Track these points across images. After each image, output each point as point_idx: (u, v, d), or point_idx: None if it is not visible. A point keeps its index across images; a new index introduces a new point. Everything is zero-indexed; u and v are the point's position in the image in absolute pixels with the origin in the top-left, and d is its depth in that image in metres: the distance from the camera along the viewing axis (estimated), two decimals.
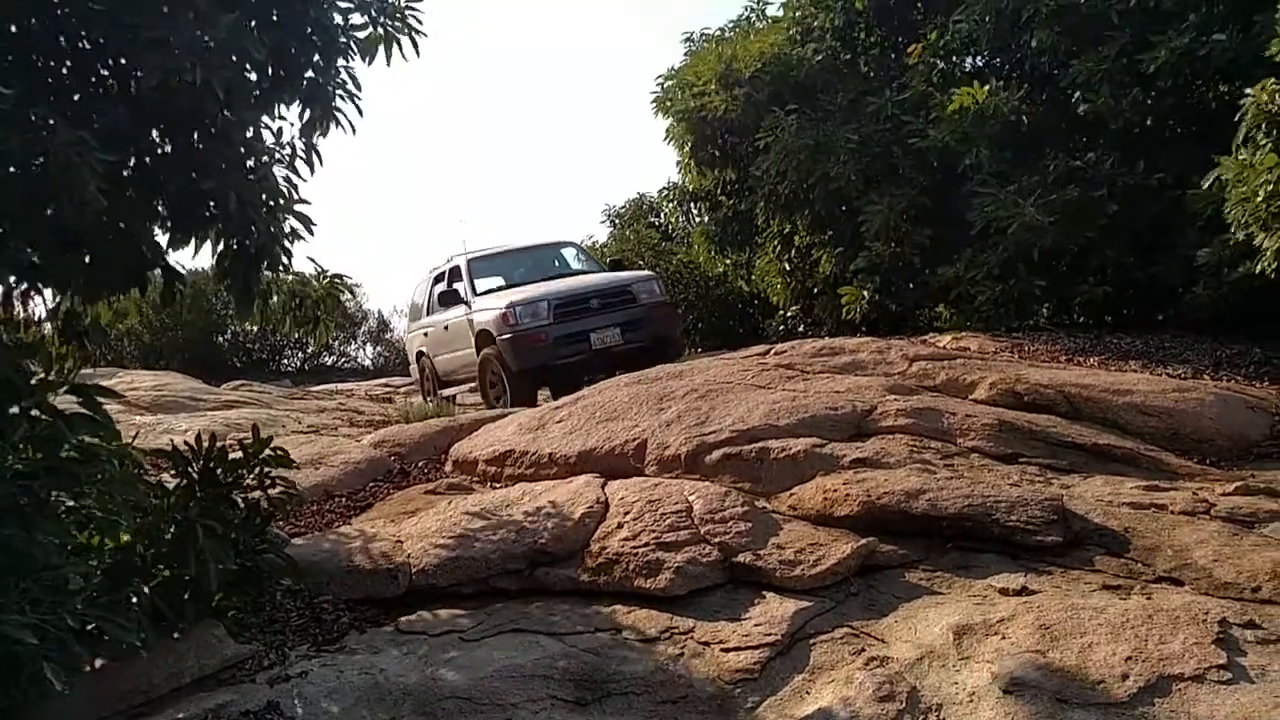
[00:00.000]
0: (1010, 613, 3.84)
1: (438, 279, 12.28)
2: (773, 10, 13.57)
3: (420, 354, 12.66)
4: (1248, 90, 6.67)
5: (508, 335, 9.93)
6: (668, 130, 13.11)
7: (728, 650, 3.99)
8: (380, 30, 5.29)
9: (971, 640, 3.73)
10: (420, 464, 7.26)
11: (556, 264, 12.15)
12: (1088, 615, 3.73)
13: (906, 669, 3.66)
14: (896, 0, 11.83)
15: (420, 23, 5.39)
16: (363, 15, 5.20)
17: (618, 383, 7.40)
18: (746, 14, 13.72)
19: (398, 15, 5.34)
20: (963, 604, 4.04)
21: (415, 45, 5.41)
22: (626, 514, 5.06)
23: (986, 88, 9.69)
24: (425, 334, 12.40)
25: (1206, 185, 7.28)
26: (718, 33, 13.53)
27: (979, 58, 11.15)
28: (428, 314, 12.46)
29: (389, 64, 5.29)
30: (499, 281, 11.55)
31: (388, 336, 22.90)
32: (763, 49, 12.12)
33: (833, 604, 4.27)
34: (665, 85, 13.04)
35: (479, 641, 4.23)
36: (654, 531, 4.84)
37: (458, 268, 11.53)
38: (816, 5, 12.42)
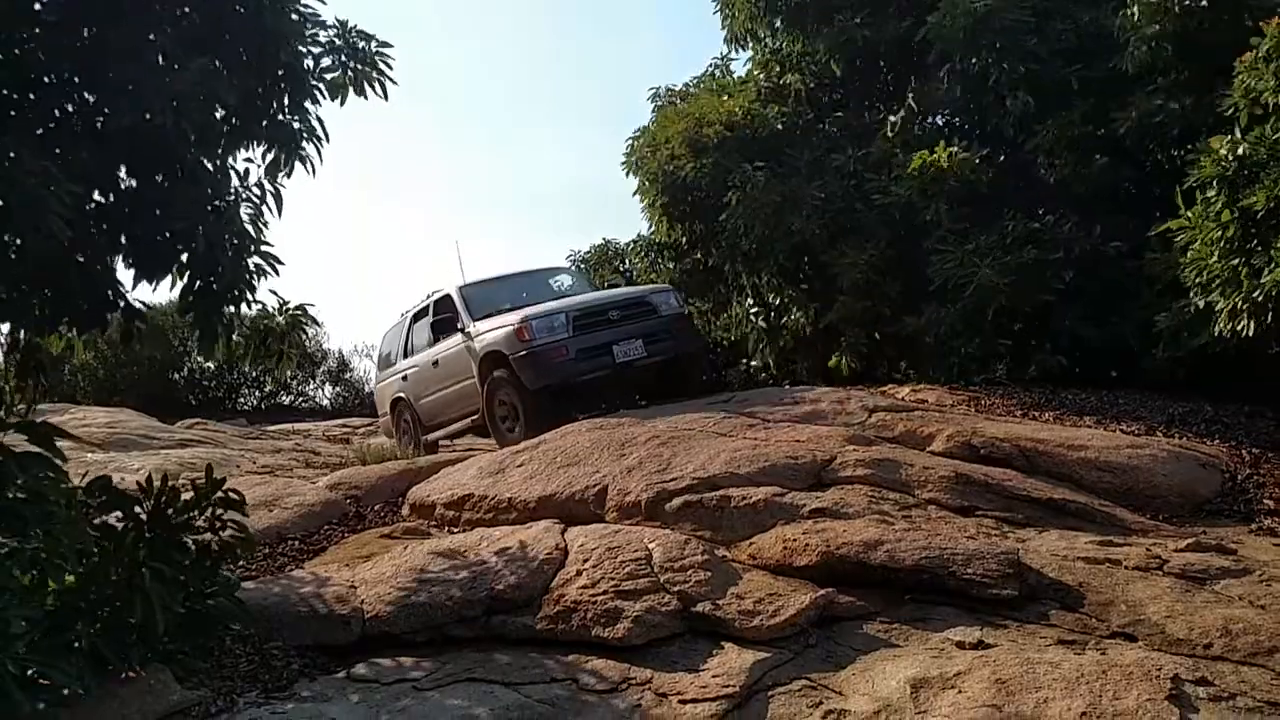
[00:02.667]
0: (967, 666, 3.85)
1: (417, 316, 11.33)
2: (737, 67, 13.82)
3: (397, 401, 11.55)
4: (1206, 144, 6.84)
5: (523, 351, 8.94)
6: (638, 188, 13.24)
7: (685, 702, 3.96)
8: (350, 74, 5.34)
9: (928, 694, 3.73)
10: (377, 507, 7.18)
11: (555, 287, 11.34)
12: (1043, 670, 3.75)
13: None
14: (862, 65, 12.09)
15: (390, 66, 5.44)
16: (333, 59, 5.24)
17: (579, 428, 7.39)
18: (712, 70, 13.94)
19: (368, 60, 5.39)
20: (920, 657, 4.05)
21: (384, 90, 5.46)
22: (586, 561, 5.03)
23: (950, 150, 9.92)
24: (404, 378, 11.33)
25: (1156, 234, 7.48)
26: (683, 88, 13.72)
27: (941, 118, 11.41)
28: (405, 356, 11.48)
29: (363, 98, 5.33)
30: (496, 308, 10.43)
31: (347, 376, 22.69)
32: (730, 110, 12.32)
33: (791, 655, 4.26)
34: (635, 145, 13.19)
35: (432, 690, 4.17)
36: (613, 579, 4.81)
37: (448, 297, 10.46)
38: (785, 66, 12.66)
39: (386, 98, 5.48)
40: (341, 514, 7.02)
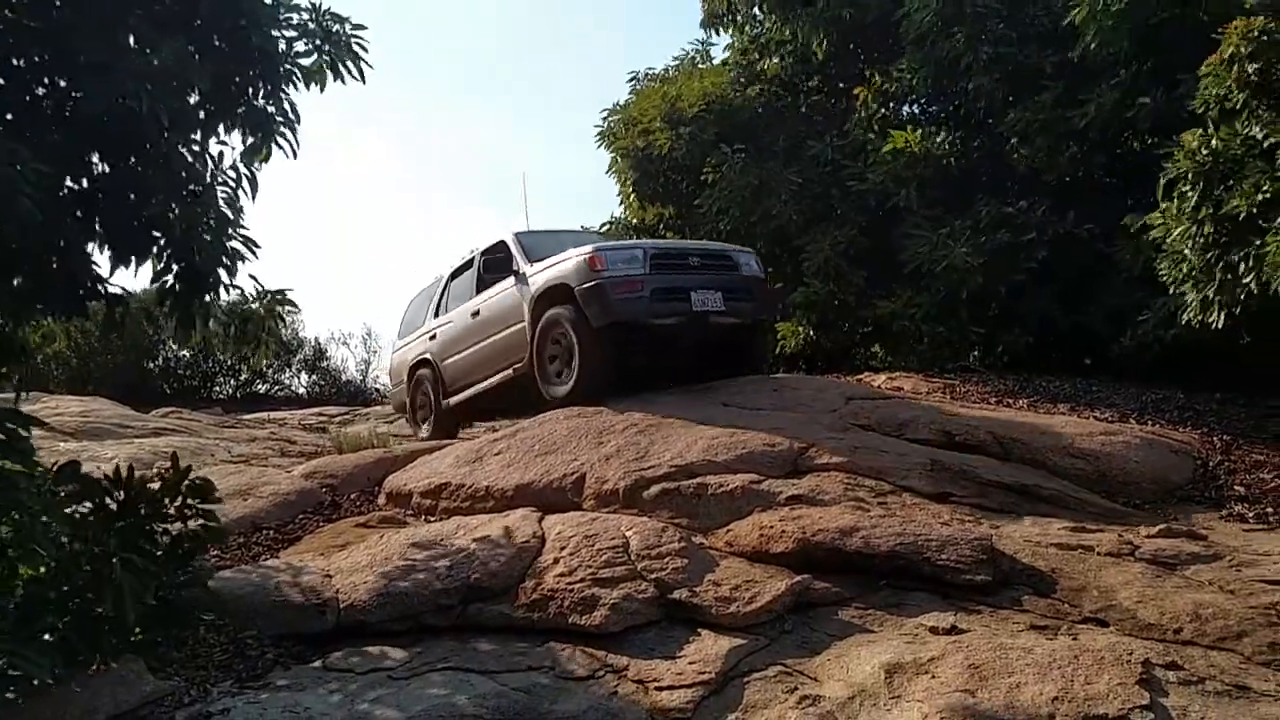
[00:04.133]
0: (940, 652, 3.89)
1: (457, 273, 10.34)
2: (716, 51, 13.82)
3: (419, 366, 10.44)
4: (1178, 139, 6.89)
5: (592, 283, 7.83)
6: (611, 164, 13.22)
7: (662, 689, 3.97)
8: (325, 58, 5.28)
9: (902, 679, 3.76)
10: (353, 496, 7.14)
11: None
12: (1016, 655, 3.79)
13: (838, 708, 3.67)
14: (840, 47, 12.10)
15: (365, 50, 5.38)
16: (306, 43, 5.18)
17: (557, 415, 7.37)
18: (690, 54, 13.94)
19: (341, 43, 5.32)
20: (894, 642, 4.08)
21: (360, 73, 5.41)
22: (563, 549, 5.03)
23: (919, 132, 9.94)
24: (431, 337, 10.24)
25: (1134, 229, 7.54)
26: (662, 72, 13.71)
27: (916, 105, 11.45)
28: (436, 315, 10.41)
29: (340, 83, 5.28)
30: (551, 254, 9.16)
31: (324, 365, 22.54)
32: (705, 89, 12.31)
33: (767, 641, 4.29)
34: (610, 121, 13.16)
35: (408, 679, 4.15)
36: (590, 567, 4.81)
37: (501, 243, 9.39)
38: (763, 50, 12.66)
39: (364, 81, 5.44)
40: (317, 503, 6.97)
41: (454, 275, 10.38)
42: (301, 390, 22.00)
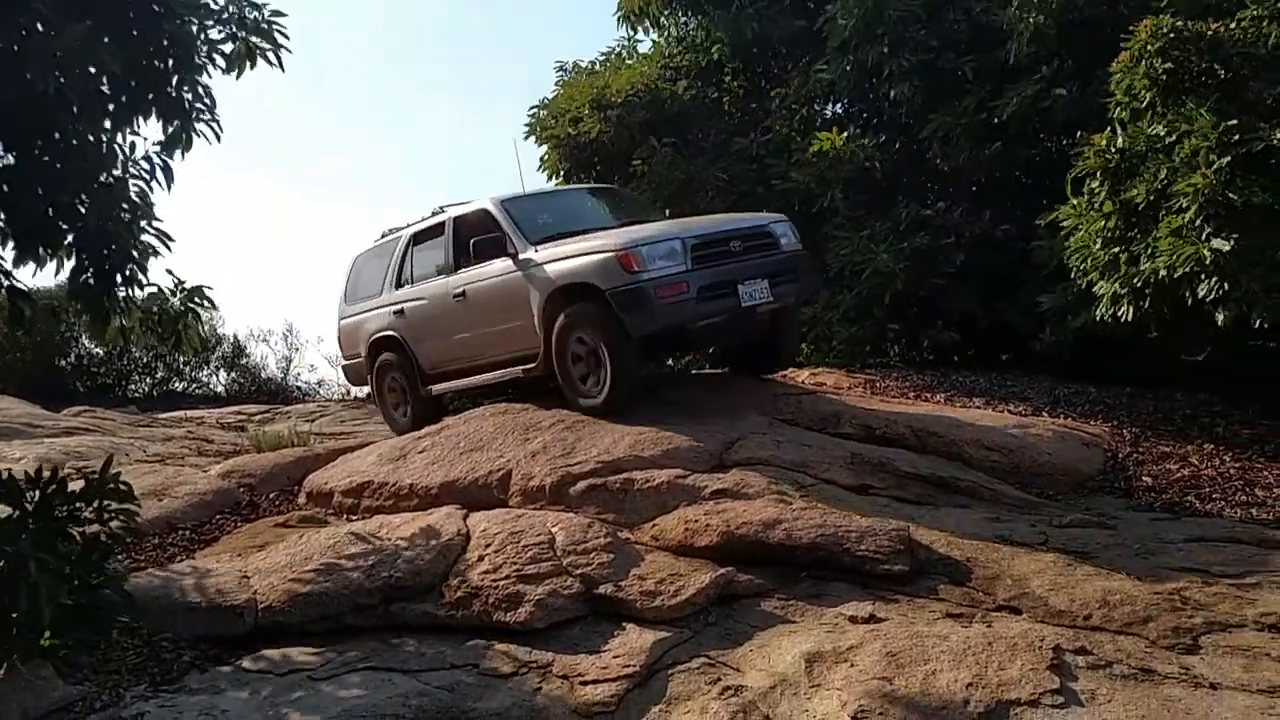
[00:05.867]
0: (859, 640, 3.97)
1: (421, 238, 8.89)
2: (643, 48, 13.84)
3: (383, 343, 9.02)
4: (1089, 137, 7.12)
5: (628, 285, 6.72)
6: (542, 159, 13.16)
7: (586, 683, 3.99)
8: (243, 45, 5.18)
9: (822, 668, 3.83)
10: (272, 495, 7.01)
11: (612, 211, 8.75)
12: (932, 643, 3.88)
13: (760, 698, 3.72)
14: (759, 46, 12.22)
15: (286, 36, 5.30)
16: (223, 29, 5.07)
17: (484, 412, 7.33)
18: (617, 49, 13.95)
19: (260, 29, 5.23)
20: (815, 632, 4.15)
21: (280, 60, 5.32)
22: (488, 546, 5.00)
23: (845, 134, 10.10)
24: (398, 312, 8.81)
25: (1045, 223, 7.77)
26: (589, 65, 13.70)
27: (839, 105, 11.61)
28: (398, 285, 8.94)
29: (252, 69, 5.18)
30: (555, 230, 7.91)
31: (243, 362, 22.03)
32: (633, 80, 12.34)
33: (691, 634, 4.33)
34: (539, 114, 13.12)
35: (328, 680, 4.10)
36: (516, 564, 4.80)
37: (484, 213, 8.05)
38: (683, 47, 12.73)
39: (283, 69, 5.35)
40: (235, 503, 6.83)
41: (416, 240, 8.99)
42: (220, 388, 21.47)
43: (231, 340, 21.82)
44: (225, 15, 5.01)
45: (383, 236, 9.50)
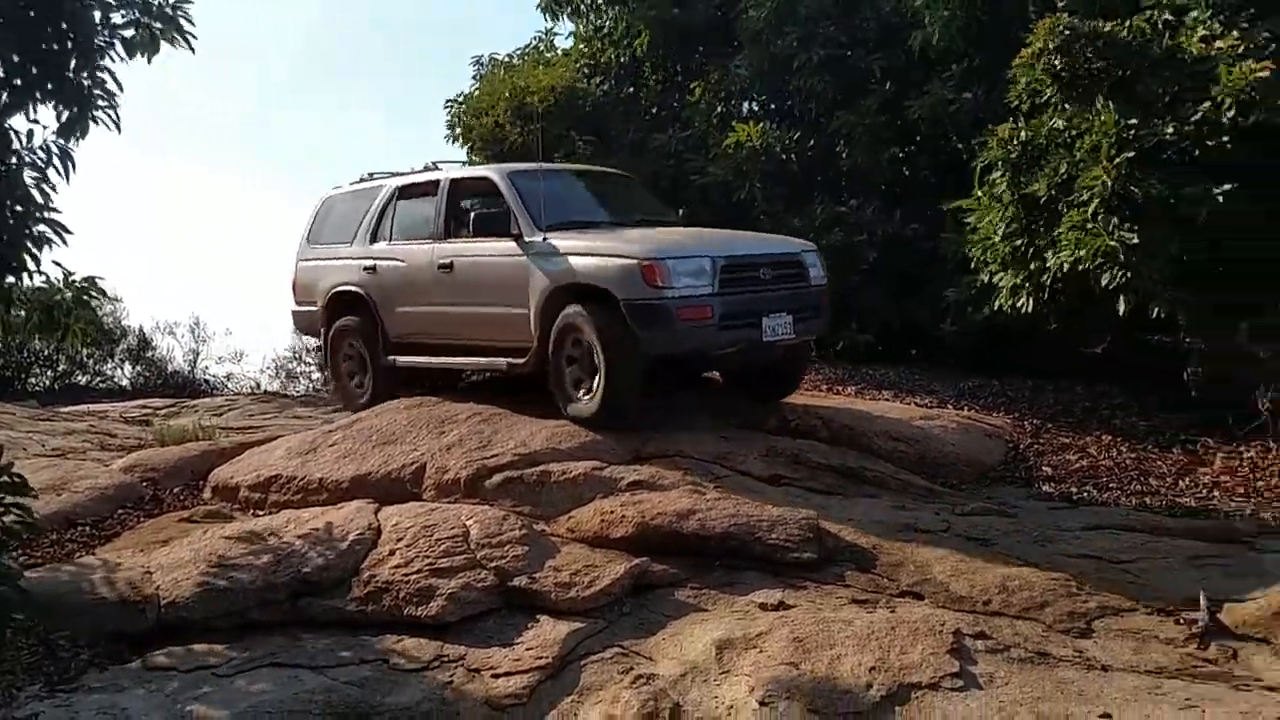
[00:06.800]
0: (768, 627, 4.04)
1: (408, 192, 8.13)
2: (561, 41, 13.81)
3: (347, 298, 8.24)
4: (997, 130, 7.33)
5: (649, 301, 6.17)
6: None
7: (498, 676, 3.98)
8: (147, 31, 5.05)
9: (732, 655, 3.89)
10: (176, 490, 6.81)
11: (628, 202, 8.15)
12: (838, 628, 3.97)
13: (670, 685, 3.76)
14: (680, 42, 12.29)
15: (191, 22, 5.17)
16: (125, 15, 4.93)
17: (398, 405, 7.23)
18: (534, 43, 13.89)
19: (165, 15, 5.10)
20: (726, 620, 4.21)
21: (189, 44, 5.21)
22: (400, 540, 4.95)
23: (760, 126, 10.22)
24: (369, 269, 8.04)
25: (949, 210, 8.00)
26: (507, 59, 13.60)
27: (756, 102, 11.75)
28: (373, 240, 8.14)
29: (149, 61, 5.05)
30: (569, 218, 7.15)
31: (149, 355, 21.36)
32: (553, 82, 12.30)
33: (605, 624, 4.35)
34: (457, 111, 12.99)
35: (234, 677, 4.01)
36: (428, 558, 4.76)
37: (487, 181, 7.44)
38: (604, 42, 12.73)
39: (193, 51, 5.24)
40: (138, 498, 6.62)
41: (403, 193, 8.20)
42: (125, 382, 20.79)
43: (137, 332, 21.14)
44: (131, 0, 4.88)
45: (361, 180, 8.70)
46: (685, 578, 4.69)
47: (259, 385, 17.05)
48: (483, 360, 7.36)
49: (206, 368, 19.96)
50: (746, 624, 4.11)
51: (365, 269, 8.06)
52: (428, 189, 7.91)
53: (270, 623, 4.53)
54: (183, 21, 5.15)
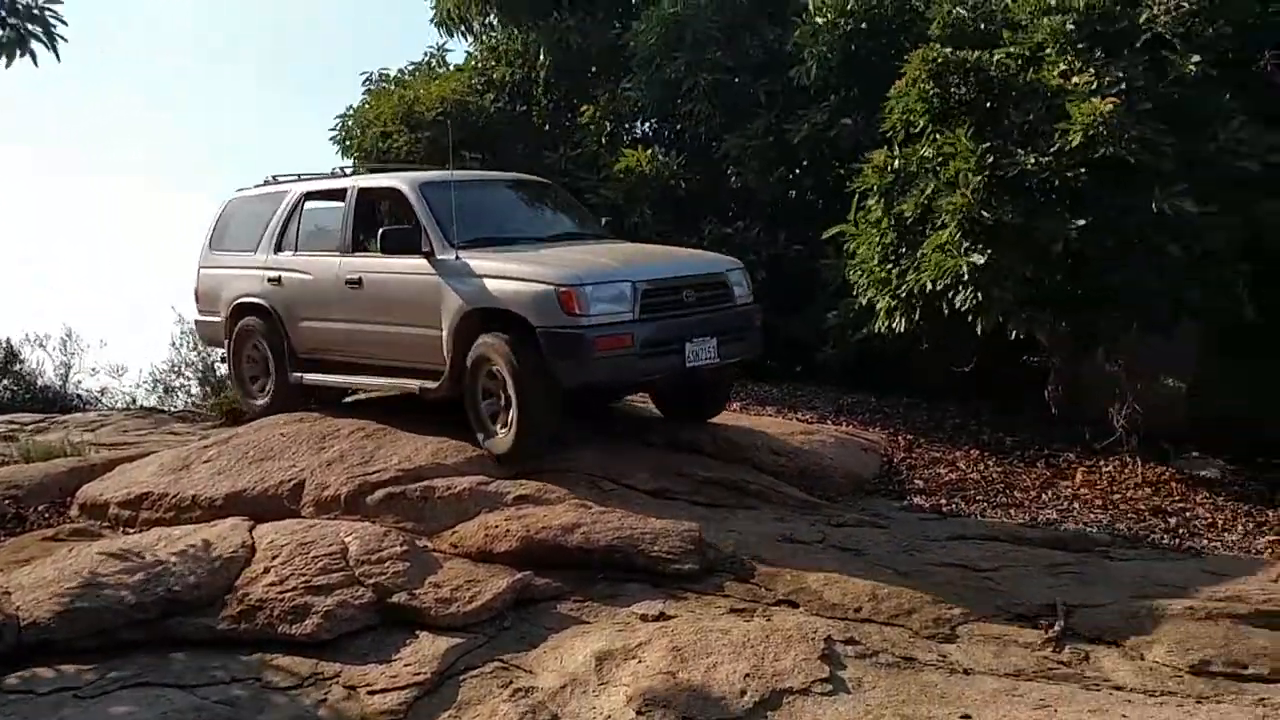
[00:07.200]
0: (648, 637, 4.11)
1: (314, 197, 7.78)
2: (454, 58, 13.75)
3: (250, 310, 7.81)
4: (872, 157, 7.61)
5: (564, 329, 5.88)
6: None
7: (374, 693, 3.95)
8: (14, 32, 4.89)
9: (611, 665, 3.95)
10: (41, 508, 6.52)
11: (549, 213, 7.79)
12: (715, 637, 4.07)
13: (549, 698, 3.80)
14: (572, 62, 12.38)
15: (64, 22, 5.04)
16: None
17: (276, 420, 7.06)
18: (427, 59, 13.79)
19: (34, 16, 4.94)
20: (607, 631, 4.27)
21: (54, 48, 5.06)
22: (275, 558, 4.85)
23: (650, 151, 10.37)
24: (273, 280, 7.60)
25: (827, 238, 8.27)
26: (398, 74, 13.48)
27: (646, 124, 11.91)
28: (278, 249, 7.69)
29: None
30: (484, 233, 6.81)
31: (16, 369, 20.33)
32: (443, 94, 12.24)
33: (486, 639, 4.36)
34: (345, 123, 12.81)
35: (97, 698, 3.88)
36: (304, 575, 4.68)
37: (397, 193, 7.11)
38: (496, 59, 12.73)
39: (59, 58, 5.10)
40: None
41: (309, 199, 7.83)
42: None
43: (4, 345, 20.08)
44: None
45: (266, 182, 8.23)
46: (569, 591, 4.73)
47: (135, 401, 16.36)
48: (395, 381, 6.93)
49: (80, 381, 19.04)
50: (627, 635, 4.18)
51: (270, 280, 7.64)
52: (334, 196, 7.60)
53: (139, 642, 4.39)
54: (52, 22, 5.01)
